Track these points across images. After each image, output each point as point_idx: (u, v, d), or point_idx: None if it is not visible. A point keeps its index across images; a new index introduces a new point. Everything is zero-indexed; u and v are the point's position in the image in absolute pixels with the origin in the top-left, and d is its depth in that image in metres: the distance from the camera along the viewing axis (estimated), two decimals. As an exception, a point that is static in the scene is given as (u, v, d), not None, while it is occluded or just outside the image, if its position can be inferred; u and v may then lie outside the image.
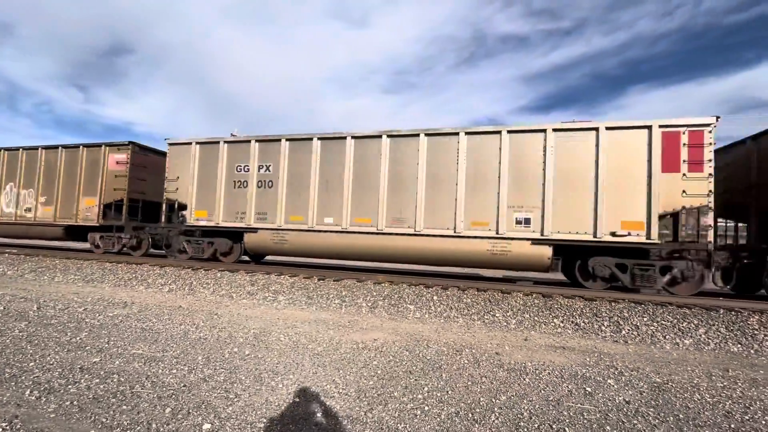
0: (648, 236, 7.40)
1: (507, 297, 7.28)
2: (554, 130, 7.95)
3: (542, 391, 3.51)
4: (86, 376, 3.42)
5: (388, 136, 8.95)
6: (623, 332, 5.94)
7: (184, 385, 3.31)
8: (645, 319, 6.26)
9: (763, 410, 3.30)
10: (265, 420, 2.77)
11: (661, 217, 7.37)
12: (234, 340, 4.74)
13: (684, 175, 7.29)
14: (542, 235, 7.89)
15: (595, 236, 7.62)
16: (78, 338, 4.56)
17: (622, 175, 7.57)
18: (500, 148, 8.20)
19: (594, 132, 7.74)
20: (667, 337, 5.78)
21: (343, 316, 6.49)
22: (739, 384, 3.96)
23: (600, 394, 3.48)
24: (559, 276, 9.48)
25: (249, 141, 10.07)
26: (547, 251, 7.89)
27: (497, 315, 6.60)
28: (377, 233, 8.93)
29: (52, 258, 10.86)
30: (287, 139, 9.74)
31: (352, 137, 9.23)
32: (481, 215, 8.30)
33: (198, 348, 4.38)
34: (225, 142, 10.30)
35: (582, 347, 5.20)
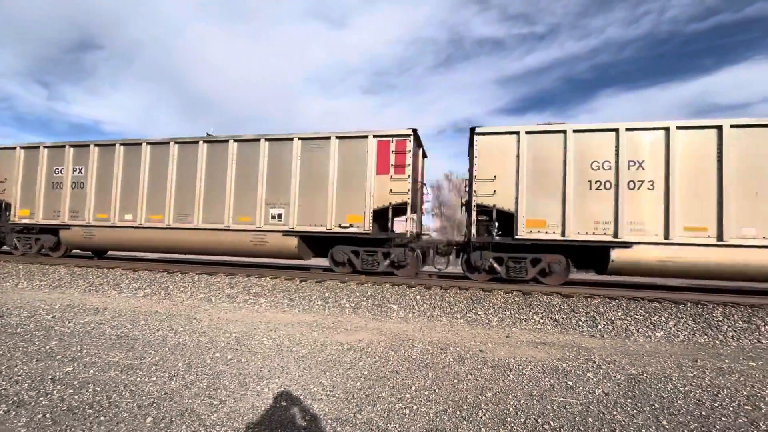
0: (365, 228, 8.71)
1: (488, 295, 7.41)
2: (299, 138, 9.22)
3: (526, 387, 3.59)
4: (59, 386, 3.26)
5: (176, 142, 10.11)
6: (599, 327, 6.16)
7: (165, 393, 3.20)
8: (619, 313, 6.51)
9: (730, 397, 3.49)
10: (252, 426, 2.72)
11: (375, 212, 8.69)
12: (215, 345, 4.63)
13: (391, 176, 8.64)
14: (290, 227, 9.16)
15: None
16: (47, 347, 4.33)
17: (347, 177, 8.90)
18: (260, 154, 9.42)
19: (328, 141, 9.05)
20: (640, 330, 6.03)
21: (326, 318, 6.44)
22: (707, 373, 4.18)
23: (581, 388, 3.60)
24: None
25: (64, 146, 10.97)
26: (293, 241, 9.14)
27: (479, 313, 6.71)
28: (166, 228, 10.02)
29: (15, 263, 10.28)
30: (96, 145, 10.77)
31: (147, 143, 10.33)
32: (245, 211, 9.50)
33: (178, 354, 4.25)
34: (45, 147, 11.19)
35: (561, 342, 5.36)
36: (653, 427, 2.84)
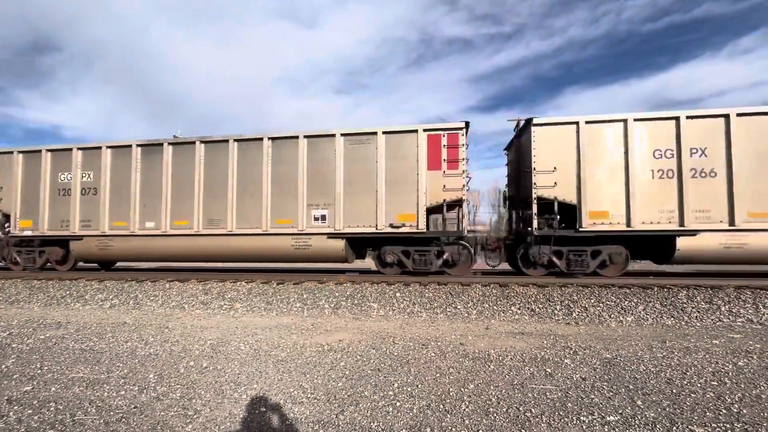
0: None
1: (467, 289, 7.49)
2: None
3: (507, 377, 3.63)
4: (15, 407, 3.02)
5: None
6: (574, 314, 6.33)
7: (135, 407, 3.03)
8: (592, 300, 6.72)
9: (697, 374, 3.65)
10: (229, 434, 2.61)
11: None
12: (189, 354, 4.44)
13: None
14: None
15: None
16: (3, 366, 4.02)
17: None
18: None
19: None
20: (612, 315, 6.25)
21: (305, 320, 6.32)
22: (676, 353, 4.37)
23: (559, 374, 3.67)
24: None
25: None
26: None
27: (459, 307, 6.76)
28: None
29: (-35, 279, 9.54)
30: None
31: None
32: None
33: (148, 365, 4.04)
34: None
35: (539, 331, 5.47)
36: (629, 408, 2.92)
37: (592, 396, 3.15)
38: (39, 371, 3.88)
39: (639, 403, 3.02)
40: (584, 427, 2.64)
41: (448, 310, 6.70)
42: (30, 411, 2.96)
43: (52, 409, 3.00)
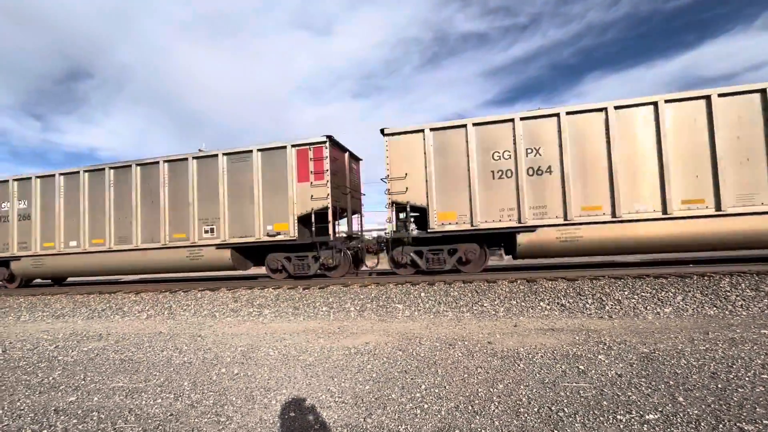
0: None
1: (493, 286, 7.35)
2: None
3: (537, 375, 3.53)
4: (62, 417, 3.19)
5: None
6: (607, 308, 6.10)
7: (171, 414, 3.14)
8: (626, 292, 6.45)
9: (745, 367, 3.43)
10: (260, 440, 2.66)
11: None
12: (221, 361, 4.56)
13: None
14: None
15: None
16: (50, 378, 4.27)
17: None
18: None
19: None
20: (648, 307, 5.97)
21: (332, 323, 6.38)
22: (720, 345, 4.12)
23: (593, 371, 3.54)
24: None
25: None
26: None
27: (485, 305, 6.65)
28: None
29: (16, 297, 10.21)
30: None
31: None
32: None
33: (183, 373, 4.18)
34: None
35: (570, 327, 5.30)
36: (670, 405, 2.78)
37: (629, 393, 3.02)
38: (83, 382, 4.09)
39: (681, 399, 2.86)
40: (621, 426, 2.53)
41: (474, 308, 6.59)
42: (75, 420, 3.12)
43: (95, 418, 3.15)
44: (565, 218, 7.81)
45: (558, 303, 6.43)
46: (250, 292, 8.59)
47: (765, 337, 4.31)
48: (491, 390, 3.25)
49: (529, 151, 8.06)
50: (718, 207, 7.25)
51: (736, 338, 4.34)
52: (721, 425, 2.46)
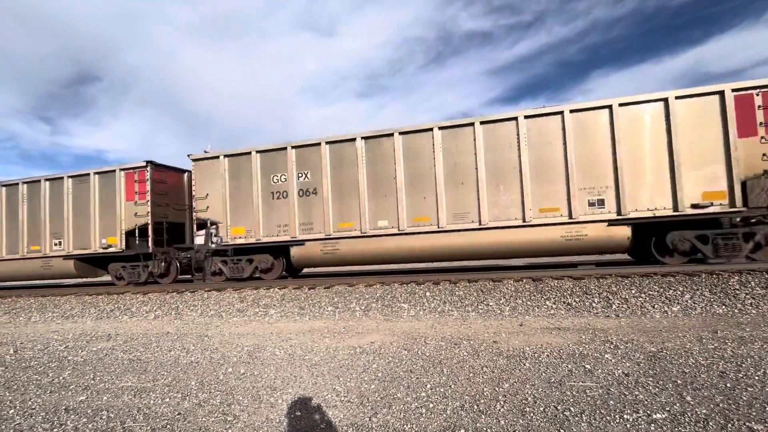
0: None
1: (498, 285, 7.33)
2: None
3: (543, 374, 3.52)
4: (72, 416, 3.24)
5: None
6: (614, 307, 6.05)
7: (179, 414, 3.17)
8: (633, 291, 6.40)
9: (754, 366, 3.39)
10: (267, 439, 2.68)
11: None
12: (227, 360, 4.60)
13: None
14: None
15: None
16: (61, 378, 4.33)
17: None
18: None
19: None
20: (656, 306, 5.92)
21: (337, 323, 6.40)
22: (729, 344, 4.08)
23: (599, 370, 3.52)
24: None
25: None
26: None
27: (491, 304, 6.63)
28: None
29: (27, 298, 10.36)
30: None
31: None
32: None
33: (190, 373, 4.22)
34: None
35: (576, 326, 5.27)
36: (677, 404, 2.75)
37: (636, 392, 3.00)
38: (92, 381, 4.14)
39: (689, 399, 2.84)
40: (628, 425, 2.51)
41: (479, 307, 6.58)
42: (85, 419, 3.17)
43: (104, 417, 3.19)
44: (327, 234, 9.13)
45: (564, 302, 6.39)
46: (255, 292, 8.64)
47: (775, 336, 4.25)
48: (497, 389, 3.24)
49: (300, 174, 9.42)
50: (439, 226, 8.53)
51: (746, 337, 4.29)
52: (729, 425, 2.44)
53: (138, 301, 8.93)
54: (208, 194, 9.98)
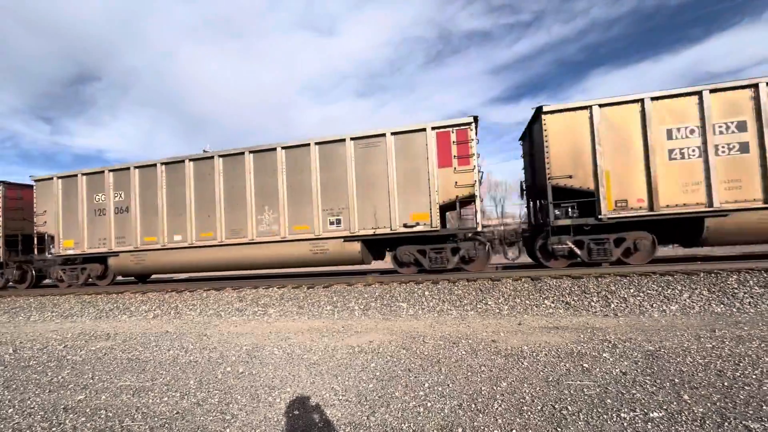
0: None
1: (497, 284, 7.34)
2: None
3: (541, 373, 3.52)
4: (71, 415, 3.24)
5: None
6: (612, 306, 6.06)
7: (177, 413, 3.18)
8: (631, 290, 6.41)
9: (752, 365, 3.40)
10: (265, 437, 2.68)
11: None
12: (226, 360, 4.60)
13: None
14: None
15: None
16: (60, 377, 4.33)
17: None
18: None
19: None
20: (654, 305, 5.93)
21: (336, 322, 6.40)
22: (727, 342, 4.09)
23: (597, 369, 3.53)
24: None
25: None
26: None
27: (490, 303, 6.64)
28: None
29: (26, 297, 10.36)
30: None
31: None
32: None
33: (189, 372, 4.23)
34: None
35: (575, 325, 5.28)
36: (674, 403, 2.76)
37: (634, 391, 3.00)
38: (91, 381, 4.15)
39: (686, 397, 2.84)
40: (625, 424, 2.52)
41: (478, 306, 6.59)
42: (83, 419, 3.17)
43: (102, 416, 3.20)
44: (135, 246, 10.38)
45: (563, 301, 6.40)
46: (255, 291, 8.65)
47: (773, 335, 4.26)
48: (495, 388, 3.25)
49: (115, 195, 10.70)
50: (218, 240, 9.83)
51: (744, 336, 4.30)
52: (726, 423, 2.45)
53: (137, 301, 8.93)
54: (45, 210, 11.23)
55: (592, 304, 6.20)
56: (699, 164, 7.48)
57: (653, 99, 7.61)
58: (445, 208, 8.85)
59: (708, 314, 5.51)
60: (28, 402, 3.62)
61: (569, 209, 8.19)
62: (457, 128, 8.52)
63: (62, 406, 3.45)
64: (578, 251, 8.12)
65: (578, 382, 3.25)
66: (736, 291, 5.99)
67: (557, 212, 8.19)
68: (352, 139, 8.99)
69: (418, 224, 8.60)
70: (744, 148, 7.34)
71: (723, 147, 7.39)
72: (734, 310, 5.57)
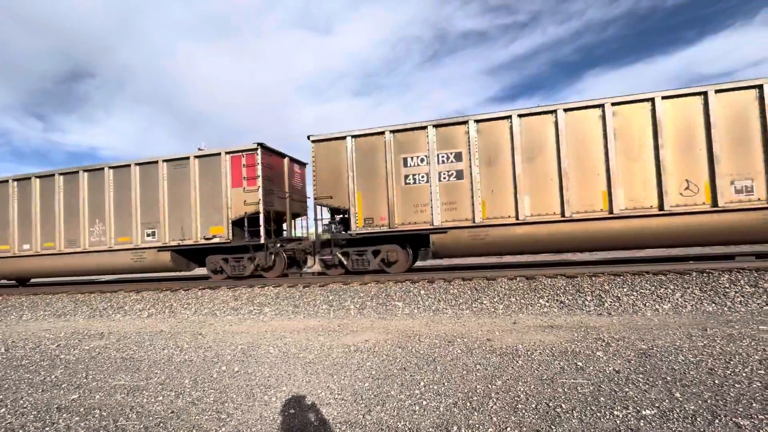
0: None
1: (492, 284, 7.37)
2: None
3: (535, 372, 3.55)
4: (64, 415, 3.22)
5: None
6: (606, 305, 6.12)
7: (172, 412, 3.17)
8: (625, 289, 6.47)
9: (742, 363, 3.45)
10: (260, 436, 2.68)
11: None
12: (221, 359, 4.59)
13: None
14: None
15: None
16: (53, 376, 4.30)
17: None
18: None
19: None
20: (647, 304, 5.99)
21: (332, 321, 6.40)
22: (718, 341, 4.14)
23: (591, 367, 3.56)
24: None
25: None
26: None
27: (485, 302, 6.67)
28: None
29: (18, 296, 10.25)
30: None
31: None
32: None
33: (184, 371, 4.21)
34: None
35: (569, 324, 5.32)
36: (666, 401, 2.80)
37: (627, 389, 3.04)
38: (84, 380, 4.12)
39: (677, 395, 2.88)
40: (618, 422, 2.55)
41: (474, 305, 6.62)
42: (77, 418, 3.15)
43: (96, 415, 3.18)
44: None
45: (557, 300, 6.45)
46: (250, 290, 8.62)
47: (763, 333, 4.33)
48: (489, 386, 3.27)
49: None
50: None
51: (735, 334, 4.36)
52: (717, 420, 2.48)
53: (131, 299, 8.86)
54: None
55: (587, 303, 6.25)
56: (427, 188, 8.51)
57: (392, 132, 8.73)
58: (237, 223, 9.87)
59: (700, 313, 5.57)
60: (21, 402, 3.59)
61: (333, 226, 9.55)
62: (247, 153, 9.77)
63: (55, 406, 3.43)
64: (345, 261, 9.25)
65: (572, 381, 3.28)
66: (727, 290, 6.07)
67: (324, 227, 9.58)
68: (164, 161, 10.23)
69: (215, 237, 9.87)
70: (459, 175, 8.36)
71: (444, 174, 8.43)
72: (725, 309, 5.64)
